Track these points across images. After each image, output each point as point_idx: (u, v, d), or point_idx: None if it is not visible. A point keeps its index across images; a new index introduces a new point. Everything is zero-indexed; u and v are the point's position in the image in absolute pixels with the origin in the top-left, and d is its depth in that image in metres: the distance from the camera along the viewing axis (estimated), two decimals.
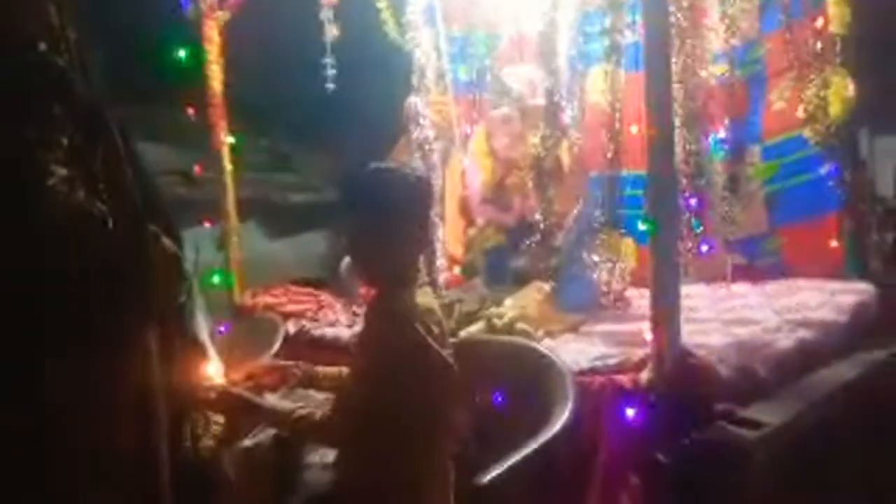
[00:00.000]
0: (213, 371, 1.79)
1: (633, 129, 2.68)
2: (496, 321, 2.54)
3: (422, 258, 2.91)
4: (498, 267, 3.06)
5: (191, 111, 3.35)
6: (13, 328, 0.96)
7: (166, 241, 1.11)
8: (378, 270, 1.71)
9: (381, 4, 3.91)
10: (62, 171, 0.98)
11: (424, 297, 1.70)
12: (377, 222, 1.63)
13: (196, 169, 3.72)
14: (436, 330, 1.64)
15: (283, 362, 2.39)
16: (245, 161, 4.20)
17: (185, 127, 3.72)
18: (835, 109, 2.77)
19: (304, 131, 5.01)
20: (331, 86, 3.62)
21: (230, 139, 3.40)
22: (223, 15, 3.38)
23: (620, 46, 3.02)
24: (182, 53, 3.26)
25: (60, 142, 1.00)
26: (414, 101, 3.28)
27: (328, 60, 3.60)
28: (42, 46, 1.01)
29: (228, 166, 3.41)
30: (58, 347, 0.99)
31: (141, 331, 1.08)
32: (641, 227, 2.26)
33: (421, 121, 3.17)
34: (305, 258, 4.91)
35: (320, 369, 2.03)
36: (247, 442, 2.20)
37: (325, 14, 3.64)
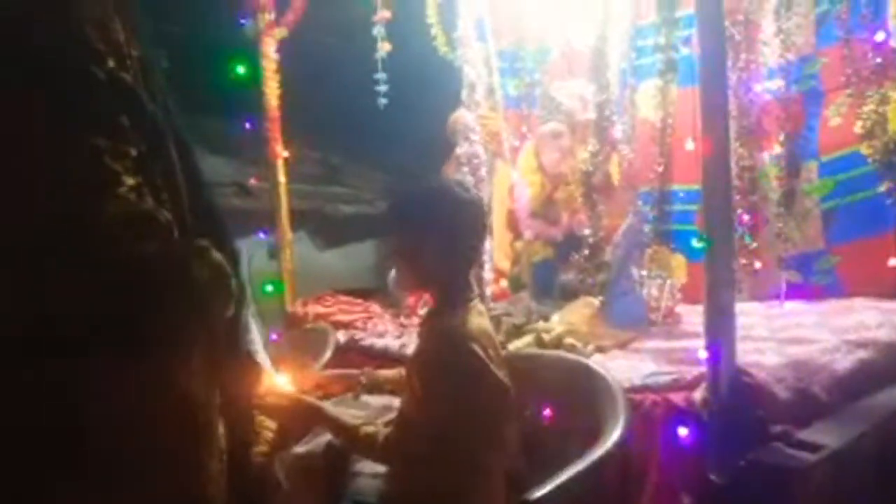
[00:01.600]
0: (282, 380, 1.83)
1: (689, 145, 2.66)
2: (544, 335, 2.54)
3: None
4: (545, 281, 3.07)
5: (248, 125, 3.44)
6: (62, 330, 0.98)
7: (216, 255, 1.12)
8: (430, 288, 1.74)
9: (432, 20, 3.97)
10: (131, 180, 1.01)
11: (480, 318, 1.71)
12: (428, 239, 1.65)
13: (252, 180, 3.82)
14: (492, 352, 1.66)
15: (348, 371, 2.45)
16: (298, 173, 4.29)
17: (242, 139, 3.82)
18: (893, 126, 2.71)
19: (356, 145, 5.09)
20: (383, 100, 3.69)
21: (285, 152, 3.48)
22: (280, 32, 3.47)
23: (674, 61, 3.02)
24: (241, 68, 3.36)
25: (129, 152, 1.03)
26: (459, 115, 3.31)
27: (380, 76, 3.67)
28: (111, 63, 1.05)
29: (282, 178, 3.49)
30: (106, 352, 1.00)
31: (189, 343, 1.10)
32: (695, 243, 2.24)
33: (470, 135, 3.21)
34: (355, 269, 4.98)
35: (381, 373, 2.06)
36: (299, 448, 2.25)
37: (378, 30, 3.72)
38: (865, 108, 2.79)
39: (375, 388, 2.15)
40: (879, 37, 2.72)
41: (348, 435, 1.75)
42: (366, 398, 2.24)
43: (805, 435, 1.86)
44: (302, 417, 1.85)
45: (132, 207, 1.00)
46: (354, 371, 2.57)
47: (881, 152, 2.75)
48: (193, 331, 1.10)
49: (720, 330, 1.90)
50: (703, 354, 1.92)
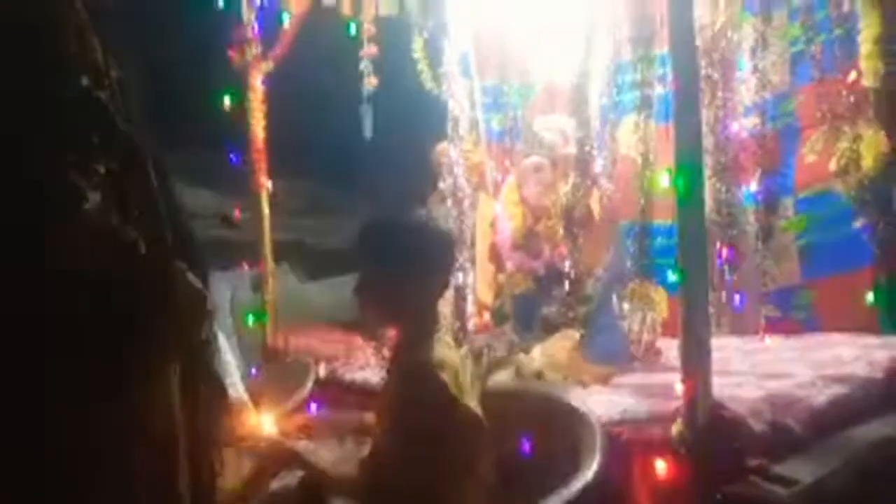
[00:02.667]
0: (264, 421, 1.83)
1: (664, 181, 2.70)
2: (525, 369, 2.55)
3: (448, 306, 2.95)
4: (527, 313, 3.08)
5: (233, 157, 3.46)
6: (24, 348, 0.96)
7: (191, 277, 1.12)
8: (398, 323, 1.74)
9: (418, 56, 4.04)
10: (97, 197, 1.01)
11: (448, 350, 1.71)
12: (396, 275, 1.66)
13: (236, 212, 3.83)
14: (463, 382, 1.66)
15: (335, 414, 2.44)
16: (282, 204, 4.31)
17: (226, 172, 3.85)
18: (868, 163, 2.76)
19: (341, 177, 5.13)
20: (368, 133, 3.73)
21: (269, 183, 3.50)
22: (267, 65, 3.51)
23: (651, 98, 3.07)
24: (226, 100, 3.39)
25: (96, 169, 1.03)
26: (443, 148, 3.36)
27: (366, 108, 3.72)
28: (85, 81, 1.05)
29: (266, 209, 3.50)
30: (71, 374, 0.98)
31: (161, 366, 1.09)
32: (671, 276, 2.26)
33: (453, 168, 3.24)
34: (338, 301, 4.96)
35: (369, 417, 2.05)
36: (273, 484, 2.23)
37: (365, 65, 3.78)
38: (840, 146, 2.84)
39: (362, 431, 2.14)
40: (852, 76, 2.79)
41: (324, 477, 1.75)
42: (351, 442, 2.22)
43: (781, 469, 1.86)
44: (279, 460, 1.85)
45: (94, 223, 1.00)
46: (342, 415, 2.56)
47: (856, 189, 2.80)
48: (167, 352, 1.10)
49: (696, 363, 1.91)
50: (679, 388, 1.93)
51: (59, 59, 1.05)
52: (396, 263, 1.68)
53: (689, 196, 1.87)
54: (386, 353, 3.17)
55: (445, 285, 1.88)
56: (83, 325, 0.99)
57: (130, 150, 1.09)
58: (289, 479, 2.17)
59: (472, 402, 1.69)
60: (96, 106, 1.05)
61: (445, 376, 1.63)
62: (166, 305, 1.08)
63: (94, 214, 1.00)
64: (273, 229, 3.59)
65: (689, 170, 1.91)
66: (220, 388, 1.52)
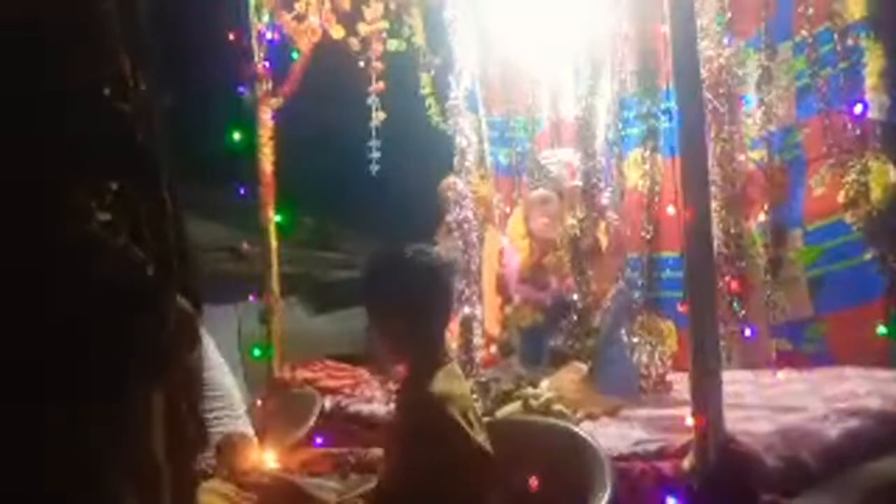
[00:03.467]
0: (267, 456, 1.82)
1: (670, 210, 2.70)
2: (532, 402, 2.52)
3: (454, 338, 2.93)
4: (534, 346, 3.05)
5: (241, 191, 3.49)
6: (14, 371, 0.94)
7: (183, 301, 1.09)
8: (403, 354, 1.73)
9: (426, 91, 4.09)
10: (105, 216, 0.98)
11: (457, 381, 1.70)
12: (398, 309, 1.66)
13: (244, 245, 3.84)
14: (471, 415, 1.64)
15: (336, 449, 2.41)
16: (291, 238, 4.32)
17: (235, 205, 3.87)
18: (876, 195, 2.76)
19: (349, 212, 5.16)
20: (376, 167, 3.76)
21: (277, 218, 3.51)
22: (277, 101, 3.56)
23: (657, 131, 3.09)
24: (237, 136, 3.43)
25: (108, 186, 1.01)
26: (450, 181, 3.36)
27: (374, 143, 3.75)
28: (106, 92, 1.02)
29: (274, 243, 3.51)
30: (62, 393, 0.95)
31: (148, 391, 1.07)
32: (679, 307, 2.25)
33: (460, 201, 3.24)
34: (345, 334, 4.95)
35: (373, 453, 2.03)
36: None
37: (373, 100, 3.82)
38: (848, 178, 2.84)
39: (365, 466, 2.12)
40: (858, 108, 2.80)
41: None
42: (355, 477, 2.20)
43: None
44: (281, 496, 1.84)
45: (99, 240, 0.98)
46: (343, 450, 2.53)
47: (865, 220, 2.78)
48: (155, 377, 1.07)
49: (707, 396, 1.89)
50: (690, 421, 1.90)
51: (83, 69, 1.02)
52: (396, 297, 1.68)
53: (696, 226, 1.87)
54: (392, 386, 3.15)
55: (449, 315, 1.88)
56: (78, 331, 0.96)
57: (150, 168, 1.06)
58: None
59: (481, 436, 1.67)
60: (115, 118, 1.03)
61: (454, 408, 1.61)
62: (159, 328, 1.06)
63: (99, 233, 0.98)
64: (281, 262, 3.60)
65: (696, 200, 1.91)
66: (201, 429, 1.48)
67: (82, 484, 0.98)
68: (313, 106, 4.38)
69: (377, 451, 2.03)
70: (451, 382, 1.68)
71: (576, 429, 2.12)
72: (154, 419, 1.07)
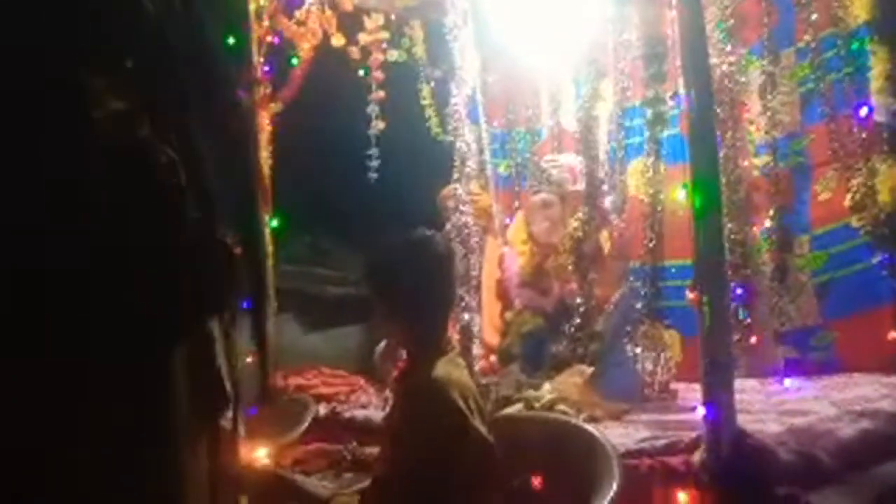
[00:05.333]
0: (258, 453, 1.76)
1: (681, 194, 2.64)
2: (535, 404, 2.43)
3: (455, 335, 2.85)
4: (536, 352, 2.98)
5: None
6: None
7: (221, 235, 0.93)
8: (407, 343, 1.67)
9: (426, 102, 4.07)
10: (119, 105, 0.82)
11: (459, 370, 1.64)
12: (399, 294, 1.62)
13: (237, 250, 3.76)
14: (472, 404, 1.57)
15: (330, 446, 2.33)
16: (286, 253, 4.25)
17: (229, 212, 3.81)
18: (883, 197, 2.71)
19: (346, 227, 5.08)
20: (374, 175, 3.72)
21: (273, 222, 3.46)
22: (276, 106, 3.52)
23: (660, 140, 3.05)
24: None
25: (122, 66, 0.84)
26: (450, 189, 3.32)
27: (373, 151, 3.71)
28: None
29: (269, 247, 3.44)
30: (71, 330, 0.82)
31: (173, 341, 0.95)
32: (688, 293, 2.18)
33: (460, 207, 3.19)
34: (340, 352, 4.85)
35: (368, 451, 1.95)
36: None
37: (373, 108, 3.80)
38: (854, 181, 2.80)
39: (360, 464, 2.04)
40: (863, 112, 2.77)
41: None
42: (349, 475, 2.13)
43: (813, 499, 1.73)
44: (275, 491, 1.75)
45: (111, 132, 0.82)
46: (337, 447, 2.45)
47: (872, 224, 2.74)
48: (185, 325, 0.92)
49: (719, 386, 1.82)
50: (701, 411, 1.82)
51: None
52: (401, 280, 1.63)
53: (707, 205, 1.81)
54: (388, 393, 3.06)
55: (452, 302, 1.82)
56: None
57: (166, 52, 0.90)
58: None
59: (484, 428, 1.60)
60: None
61: (455, 393, 1.54)
62: (195, 263, 0.91)
63: (114, 122, 0.82)
64: (276, 274, 3.53)
65: (706, 204, 1.86)
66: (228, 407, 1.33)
67: (97, 442, 0.86)
68: (308, 120, 4.36)
69: (372, 449, 1.94)
70: (452, 369, 1.61)
71: (581, 423, 2.04)
72: (169, 381, 0.95)
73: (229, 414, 1.22)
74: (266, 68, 3.50)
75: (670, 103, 2.78)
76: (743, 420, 1.96)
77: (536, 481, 1.86)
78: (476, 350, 3.06)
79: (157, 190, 0.87)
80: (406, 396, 1.68)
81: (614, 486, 1.72)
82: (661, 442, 1.98)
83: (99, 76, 0.85)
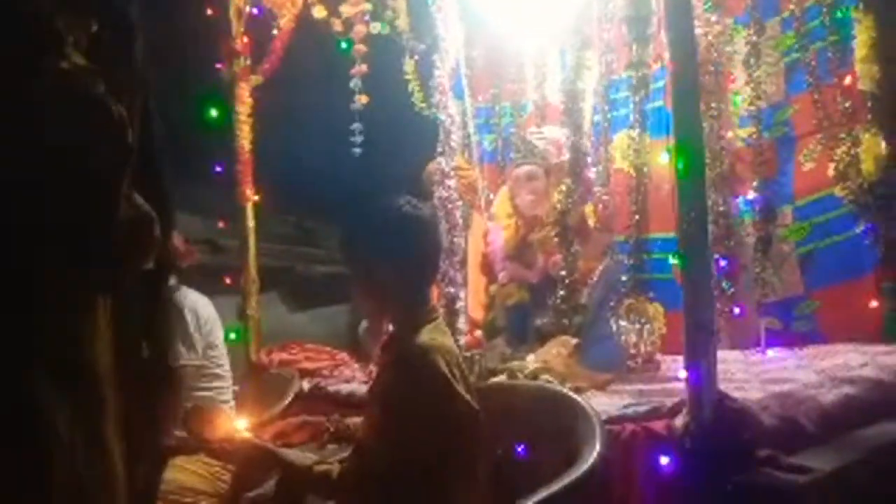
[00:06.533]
0: (239, 425, 1.74)
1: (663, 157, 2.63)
2: (518, 374, 2.42)
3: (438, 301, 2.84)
4: (520, 325, 2.96)
5: (218, 169, 3.39)
6: None
7: (139, 199, 1.00)
8: (390, 310, 1.65)
9: (410, 76, 4.02)
10: (80, 60, 0.89)
11: (444, 336, 1.62)
12: (380, 259, 1.58)
13: (220, 224, 3.74)
14: (457, 371, 1.55)
15: (313, 418, 2.31)
16: (272, 233, 4.21)
17: (212, 199, 3.78)
18: (867, 166, 2.71)
19: (330, 208, 5.06)
20: (357, 150, 3.68)
21: (255, 197, 3.42)
22: (256, 79, 3.48)
23: (645, 112, 3.03)
24: (214, 113, 3.34)
25: (86, 25, 0.92)
26: (436, 164, 3.28)
27: (356, 126, 3.67)
28: None
29: (251, 223, 3.41)
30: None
31: (92, 296, 0.97)
32: (672, 259, 2.17)
33: (446, 181, 3.16)
34: (325, 331, 4.84)
35: (351, 422, 1.93)
36: (250, 493, 2.10)
37: (356, 83, 3.74)
38: (838, 151, 2.79)
39: (343, 436, 2.02)
40: (847, 81, 2.76)
41: (303, 475, 1.63)
42: (332, 447, 2.12)
43: (794, 460, 1.74)
44: (256, 462, 1.76)
45: (74, 86, 0.88)
46: (319, 418, 2.44)
47: (856, 193, 2.74)
48: (104, 278, 0.97)
49: (700, 349, 1.81)
50: (683, 374, 1.82)
51: None
52: (384, 245, 1.60)
53: (689, 169, 1.80)
54: (371, 368, 3.05)
55: (436, 269, 1.80)
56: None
57: (125, 22, 0.98)
58: (264, 487, 2.05)
59: (469, 395, 1.58)
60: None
61: (440, 360, 1.52)
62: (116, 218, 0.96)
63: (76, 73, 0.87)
64: (262, 256, 3.51)
65: (691, 179, 1.84)
66: (163, 368, 1.37)
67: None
68: (291, 98, 4.30)
69: (355, 420, 1.92)
70: (437, 335, 1.60)
71: (564, 390, 2.04)
72: (96, 329, 0.98)
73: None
74: (245, 39, 3.45)
75: (655, 68, 2.75)
76: (726, 388, 1.96)
77: (520, 448, 1.85)
78: (461, 325, 3.05)
79: (113, 129, 0.89)
80: (391, 363, 1.66)
81: (597, 451, 1.72)
82: (644, 408, 1.98)
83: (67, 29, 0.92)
